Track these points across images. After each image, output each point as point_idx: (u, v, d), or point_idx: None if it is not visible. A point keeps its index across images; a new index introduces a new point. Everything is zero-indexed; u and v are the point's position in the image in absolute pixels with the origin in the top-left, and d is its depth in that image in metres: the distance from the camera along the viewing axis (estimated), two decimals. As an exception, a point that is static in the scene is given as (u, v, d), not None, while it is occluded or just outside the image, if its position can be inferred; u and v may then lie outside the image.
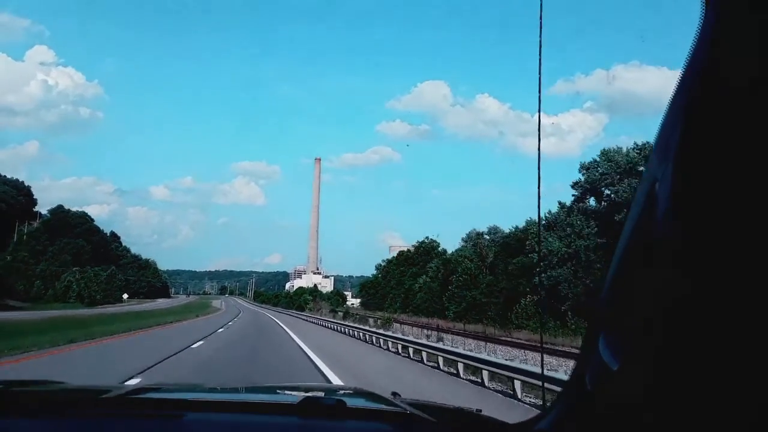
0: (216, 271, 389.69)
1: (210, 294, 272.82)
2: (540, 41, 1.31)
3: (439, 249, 77.17)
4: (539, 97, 1.47)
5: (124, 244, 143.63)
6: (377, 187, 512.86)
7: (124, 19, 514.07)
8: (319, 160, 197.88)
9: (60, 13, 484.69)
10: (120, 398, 1.72)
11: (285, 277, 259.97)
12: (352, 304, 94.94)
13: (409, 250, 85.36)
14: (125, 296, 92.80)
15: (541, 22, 1.29)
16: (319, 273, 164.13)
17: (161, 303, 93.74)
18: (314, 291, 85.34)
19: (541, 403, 2.04)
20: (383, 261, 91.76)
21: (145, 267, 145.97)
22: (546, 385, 3.48)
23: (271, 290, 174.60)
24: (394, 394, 2.19)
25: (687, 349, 0.78)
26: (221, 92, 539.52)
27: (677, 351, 0.79)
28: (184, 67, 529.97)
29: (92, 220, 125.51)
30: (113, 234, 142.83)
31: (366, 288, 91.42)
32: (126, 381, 9.31)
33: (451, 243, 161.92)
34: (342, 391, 3.11)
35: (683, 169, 0.70)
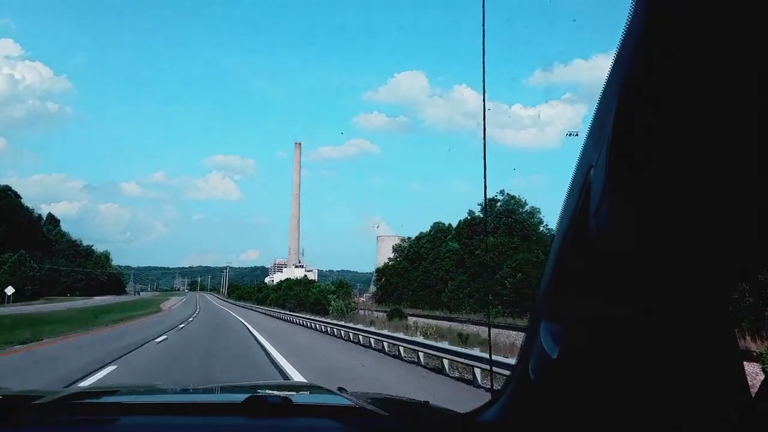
0: (190, 267, 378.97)
1: (179, 290, 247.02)
2: (483, 29, 1.30)
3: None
4: (483, 87, 1.45)
5: (64, 230, 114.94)
6: (356, 181, 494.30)
7: (93, 12, 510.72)
8: (299, 144, 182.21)
9: (27, 5, 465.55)
10: (52, 404, 1.60)
11: (263, 272, 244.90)
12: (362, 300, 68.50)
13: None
14: (9, 290, 62.91)
15: (483, 10, 1.27)
16: (302, 266, 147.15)
17: (82, 302, 66.15)
18: (342, 286, 50.86)
19: (498, 387, 1.28)
20: (405, 241, 67.17)
21: (86, 256, 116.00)
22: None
23: (249, 285, 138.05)
24: (341, 389, 2.14)
25: (621, 337, 0.79)
26: (193, 86, 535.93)
27: (611, 338, 0.80)
28: (156, 60, 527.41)
29: (17, 196, 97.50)
30: (51, 217, 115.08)
31: (387, 275, 64.32)
32: None
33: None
34: (290, 388, 3.00)
35: (617, 153, 0.69)
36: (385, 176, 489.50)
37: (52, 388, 5.86)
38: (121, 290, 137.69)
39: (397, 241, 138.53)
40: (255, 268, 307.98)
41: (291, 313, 39.32)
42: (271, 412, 1.51)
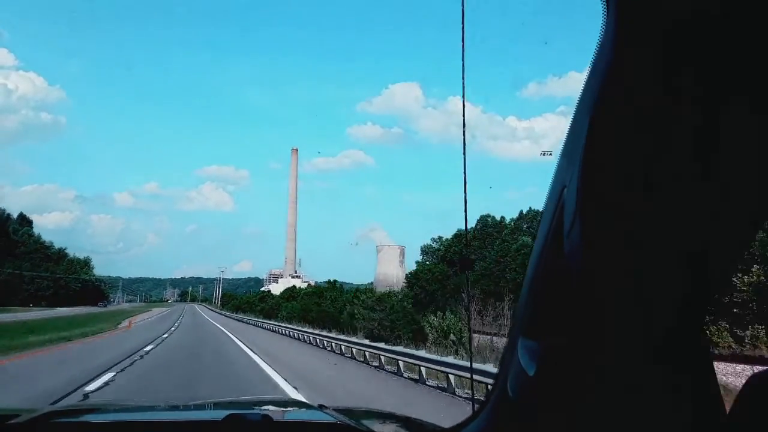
0: (182, 278, 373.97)
1: (167, 301, 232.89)
2: (462, 36, 1.30)
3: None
4: (463, 101, 1.46)
5: (55, 240, 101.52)
6: (351, 192, 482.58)
7: (88, 22, 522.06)
8: (296, 150, 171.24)
9: (21, 15, 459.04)
10: (28, 423, 1.55)
11: (257, 283, 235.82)
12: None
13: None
14: None
15: (463, 17, 1.27)
16: (298, 276, 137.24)
17: (33, 314, 52.59)
18: (384, 296, 34.39)
19: (482, 397, 1.25)
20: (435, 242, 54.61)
21: (57, 259, 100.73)
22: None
23: (247, 294, 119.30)
24: (321, 406, 2.13)
25: (595, 356, 0.80)
26: (187, 97, 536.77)
27: (586, 357, 0.81)
28: (151, 71, 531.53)
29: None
30: (22, 216, 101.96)
31: (421, 281, 51.06)
32: None
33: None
34: (269, 404, 2.93)
35: (589, 173, 0.69)
36: (380, 187, 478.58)
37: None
38: (96, 300, 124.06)
39: (397, 251, 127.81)
40: (249, 279, 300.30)
41: (344, 339, 20.01)
42: (251, 430, 1.49)
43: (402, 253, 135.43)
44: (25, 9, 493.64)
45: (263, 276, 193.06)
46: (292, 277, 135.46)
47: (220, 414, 1.59)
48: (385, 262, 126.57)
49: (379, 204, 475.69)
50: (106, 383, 11.02)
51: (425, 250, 56.87)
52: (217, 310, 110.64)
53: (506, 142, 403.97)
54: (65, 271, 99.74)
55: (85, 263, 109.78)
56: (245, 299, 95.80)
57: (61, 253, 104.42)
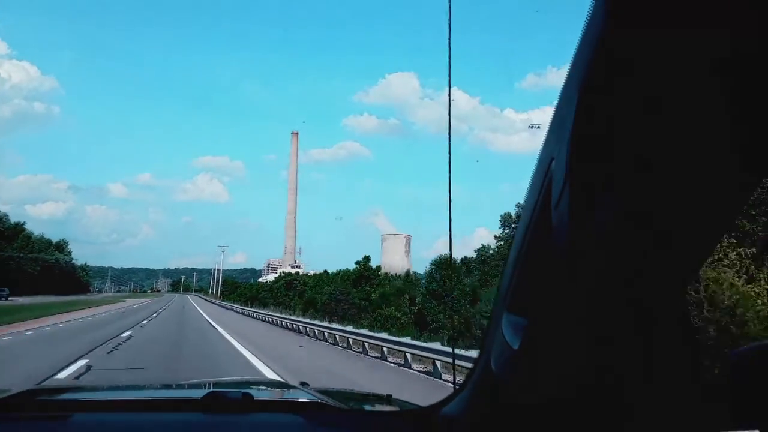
0: (175, 269, 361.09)
1: (158, 291, 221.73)
2: (449, 32, 1.30)
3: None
4: (449, 101, 1.46)
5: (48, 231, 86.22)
6: (347, 184, 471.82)
7: (82, 12, 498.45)
8: (297, 133, 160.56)
9: (14, 3, 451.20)
10: (3, 401, 1.54)
11: (253, 274, 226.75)
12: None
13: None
14: None
15: (449, 8, 1.27)
16: (298, 267, 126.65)
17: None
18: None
19: (459, 380, 1.31)
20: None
21: (11, 236, 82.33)
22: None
23: (258, 284, 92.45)
24: (303, 383, 2.11)
25: (582, 329, 0.80)
26: (181, 88, 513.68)
27: (572, 330, 0.81)
28: (144, 62, 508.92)
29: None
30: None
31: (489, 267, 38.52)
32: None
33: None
34: (251, 384, 2.87)
35: (578, 145, 0.70)
36: (377, 179, 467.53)
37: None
38: (78, 289, 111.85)
39: (403, 240, 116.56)
40: (245, 270, 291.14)
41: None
42: (231, 408, 1.48)
43: (408, 243, 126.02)
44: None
45: (259, 267, 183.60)
46: (292, 267, 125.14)
47: (201, 393, 1.59)
48: (390, 251, 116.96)
49: (377, 194, 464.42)
50: None
51: (499, 238, 41.36)
52: (216, 302, 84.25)
53: (504, 135, 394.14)
54: (20, 249, 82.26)
55: (58, 246, 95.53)
56: (255, 289, 72.88)
57: (18, 228, 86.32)
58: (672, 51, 0.60)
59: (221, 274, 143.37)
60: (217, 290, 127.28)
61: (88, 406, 1.60)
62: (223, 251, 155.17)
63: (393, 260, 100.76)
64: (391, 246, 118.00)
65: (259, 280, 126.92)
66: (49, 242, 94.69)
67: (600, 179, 0.69)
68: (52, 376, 10.37)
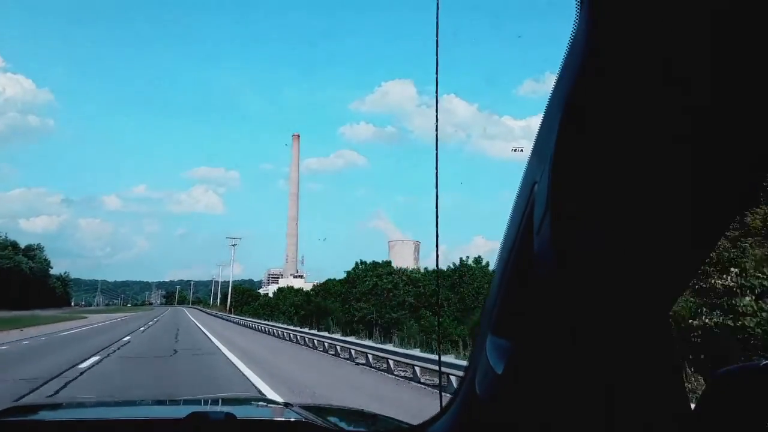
0: (170, 281, 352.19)
1: (150, 305, 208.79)
2: (437, 38, 1.30)
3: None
4: (437, 108, 1.47)
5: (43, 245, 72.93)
6: (343, 193, 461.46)
7: (77, 24, 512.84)
8: (298, 136, 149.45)
9: (9, 17, 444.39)
10: None
11: (251, 285, 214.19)
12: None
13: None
14: None
15: (438, 13, 1.27)
16: (301, 276, 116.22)
17: None
18: None
19: (445, 390, 1.75)
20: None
21: None
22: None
23: (238, 299, 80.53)
24: (287, 404, 2.09)
25: (564, 353, 0.80)
26: (176, 99, 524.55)
27: (555, 354, 0.81)
28: (139, 74, 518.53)
29: None
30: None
31: None
32: None
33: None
34: (234, 402, 2.86)
35: (559, 170, 0.69)
36: (373, 188, 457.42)
37: None
38: (51, 302, 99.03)
39: (411, 246, 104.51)
40: (243, 281, 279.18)
41: None
42: (213, 429, 1.46)
43: (417, 249, 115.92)
44: (11, 10, 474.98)
45: (258, 278, 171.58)
46: (294, 276, 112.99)
47: (183, 411, 1.54)
48: (397, 259, 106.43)
49: (375, 203, 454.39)
50: None
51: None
52: (228, 317, 57.46)
53: (502, 141, 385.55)
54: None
55: (27, 250, 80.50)
56: (290, 296, 45.74)
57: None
58: (655, 78, 0.60)
59: (230, 279, 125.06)
60: (227, 300, 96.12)
61: (72, 428, 1.55)
62: (234, 245, 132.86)
63: (402, 266, 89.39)
64: (399, 253, 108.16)
65: (260, 290, 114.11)
66: (4, 243, 78.03)
67: (582, 207, 0.69)
68: None
